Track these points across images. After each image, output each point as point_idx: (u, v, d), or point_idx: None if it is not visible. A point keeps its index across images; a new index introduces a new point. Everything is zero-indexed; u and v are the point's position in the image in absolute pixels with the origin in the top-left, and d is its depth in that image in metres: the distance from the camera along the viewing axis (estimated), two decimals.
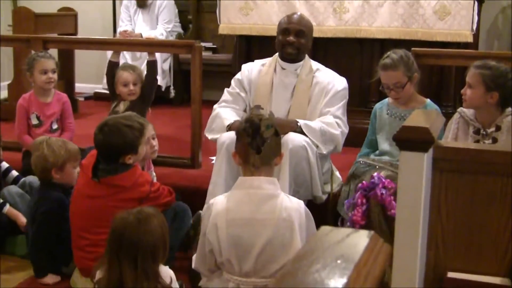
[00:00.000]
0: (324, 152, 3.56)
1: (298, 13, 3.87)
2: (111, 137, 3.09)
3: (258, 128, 2.72)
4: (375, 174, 2.07)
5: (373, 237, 0.87)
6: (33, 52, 4.55)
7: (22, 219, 3.67)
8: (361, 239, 0.86)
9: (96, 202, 3.10)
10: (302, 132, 3.51)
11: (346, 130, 3.68)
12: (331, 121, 3.61)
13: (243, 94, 3.84)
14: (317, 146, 3.53)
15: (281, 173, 3.33)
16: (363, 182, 2.07)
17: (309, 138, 3.49)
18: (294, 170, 3.42)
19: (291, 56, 3.74)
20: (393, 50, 3.67)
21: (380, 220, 2.14)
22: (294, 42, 3.70)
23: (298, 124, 3.53)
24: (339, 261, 0.78)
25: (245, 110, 3.84)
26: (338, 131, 3.61)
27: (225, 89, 3.88)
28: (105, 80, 6.43)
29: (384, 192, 2.11)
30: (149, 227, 2.53)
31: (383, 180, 2.15)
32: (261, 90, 3.78)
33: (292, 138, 3.41)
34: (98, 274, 2.65)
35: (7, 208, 3.69)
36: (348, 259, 0.80)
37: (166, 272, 2.69)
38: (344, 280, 0.75)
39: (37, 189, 3.62)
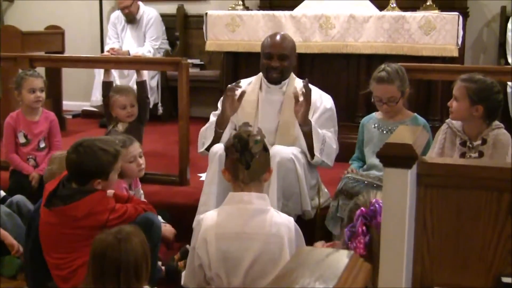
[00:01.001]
0: (319, 158, 3.58)
1: (280, 34, 3.87)
2: (84, 158, 3.01)
3: (247, 143, 2.74)
4: (374, 200, 2.06)
5: (353, 256, 0.88)
6: (20, 70, 4.55)
7: (11, 240, 3.64)
8: (340, 259, 0.87)
9: (53, 228, 3.03)
10: (309, 133, 3.53)
11: (337, 149, 3.72)
12: (331, 135, 3.67)
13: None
14: (312, 154, 3.54)
15: (270, 186, 3.34)
16: (362, 209, 2.05)
17: (306, 144, 3.55)
18: (283, 183, 3.43)
19: (275, 80, 3.77)
20: (387, 64, 3.68)
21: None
22: (278, 66, 3.72)
23: (312, 125, 3.56)
24: (318, 282, 0.78)
25: (235, 129, 3.85)
26: (336, 145, 3.67)
27: (212, 113, 3.88)
28: (93, 98, 6.51)
29: None
30: (130, 245, 2.50)
31: None
32: (246, 108, 3.79)
33: (279, 151, 3.43)
34: None
35: None
36: (327, 280, 0.80)
37: None
38: None
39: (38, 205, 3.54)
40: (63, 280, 3.02)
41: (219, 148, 3.50)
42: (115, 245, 2.48)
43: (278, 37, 3.79)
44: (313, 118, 3.67)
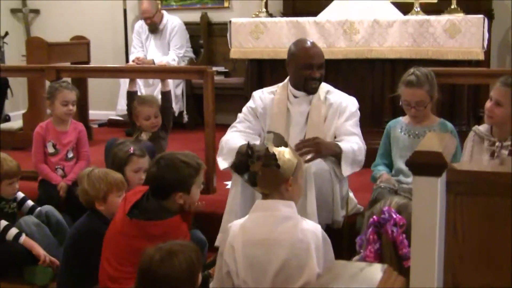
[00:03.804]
0: (347, 174, 3.58)
1: (311, 42, 3.84)
2: (166, 171, 3.00)
3: (246, 164, 2.74)
4: (385, 208, 2.04)
5: (387, 270, 0.87)
6: (47, 82, 4.60)
7: (38, 250, 3.68)
8: (375, 273, 0.86)
9: (125, 239, 3.02)
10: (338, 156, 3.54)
11: (365, 146, 3.70)
12: (360, 146, 3.64)
13: (255, 122, 3.83)
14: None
15: (308, 196, 3.34)
16: (374, 217, 2.04)
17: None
18: (318, 193, 3.42)
19: (315, 90, 3.75)
20: (416, 68, 3.66)
21: (392, 258, 2.11)
22: (319, 76, 3.72)
23: (341, 149, 3.55)
24: None
25: (259, 136, 3.86)
26: (363, 155, 3.64)
27: (239, 114, 3.89)
28: (118, 107, 6.56)
29: (395, 230, 2.08)
30: (173, 264, 2.44)
31: (394, 216, 2.12)
32: (277, 119, 3.78)
33: (315, 161, 3.43)
34: None
35: (23, 238, 3.71)
36: None
37: None
38: None
39: (84, 217, 3.49)
40: None
41: None
42: (157, 263, 2.44)
43: (313, 46, 3.77)
44: (338, 122, 3.66)
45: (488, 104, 3.39)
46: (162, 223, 2.99)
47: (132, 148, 3.75)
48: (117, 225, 3.08)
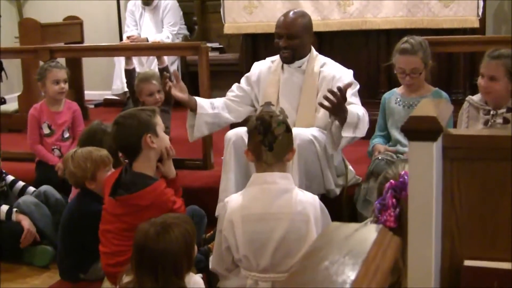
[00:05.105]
0: (347, 135, 3.40)
1: (293, 12, 3.81)
2: (127, 121, 3.03)
3: (269, 125, 2.74)
4: (403, 172, 2.03)
5: (381, 231, 0.87)
6: (41, 62, 4.58)
7: (25, 223, 3.70)
8: (369, 233, 0.86)
9: (117, 219, 3.03)
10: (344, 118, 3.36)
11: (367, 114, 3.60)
12: (363, 111, 3.51)
13: (247, 90, 3.89)
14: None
15: (292, 168, 3.32)
16: (392, 181, 2.03)
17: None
18: (304, 165, 3.41)
19: (287, 60, 3.74)
20: (410, 36, 3.67)
21: None
22: (286, 46, 3.69)
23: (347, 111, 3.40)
24: (347, 257, 0.78)
25: (252, 105, 3.88)
26: (366, 121, 3.51)
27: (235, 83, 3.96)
28: (114, 86, 6.53)
29: None
30: (169, 237, 2.45)
31: None
32: (269, 88, 3.79)
33: (299, 133, 3.39)
34: (124, 281, 2.62)
35: (14, 214, 3.73)
36: (356, 255, 0.79)
37: (196, 283, 2.64)
38: (352, 277, 0.75)
39: (76, 197, 3.54)
40: (120, 265, 2.96)
41: (232, 134, 3.52)
42: (154, 237, 2.44)
43: (287, 16, 3.74)
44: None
45: (481, 81, 3.38)
46: (145, 192, 2.99)
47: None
48: (108, 209, 3.09)
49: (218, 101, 3.88)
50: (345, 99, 3.25)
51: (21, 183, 4.07)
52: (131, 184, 3.02)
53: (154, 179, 3.05)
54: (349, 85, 3.32)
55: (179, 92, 3.69)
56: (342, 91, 3.20)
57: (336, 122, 3.38)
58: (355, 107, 3.49)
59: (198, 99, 3.81)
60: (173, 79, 3.75)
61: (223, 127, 3.97)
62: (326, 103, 3.24)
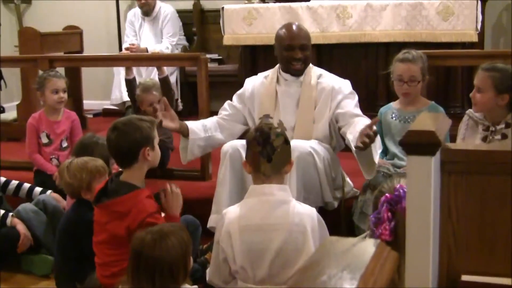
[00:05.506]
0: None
1: (295, 24, 3.82)
2: (130, 130, 2.97)
3: (268, 137, 2.75)
4: (398, 185, 2.04)
5: (379, 245, 0.87)
6: (40, 71, 4.59)
7: (21, 228, 3.70)
8: (367, 247, 0.86)
9: (102, 228, 2.99)
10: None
11: None
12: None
13: (240, 108, 3.87)
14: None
15: (290, 180, 3.32)
16: (387, 195, 2.03)
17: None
18: (302, 177, 3.41)
19: (299, 72, 3.73)
20: (410, 49, 3.72)
21: None
22: (301, 57, 3.69)
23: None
24: (345, 272, 0.78)
25: (245, 124, 3.88)
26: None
27: (227, 101, 3.94)
28: (113, 96, 6.54)
29: None
30: (166, 245, 2.45)
31: None
32: (266, 101, 3.78)
33: (297, 145, 3.40)
34: None
35: (10, 218, 3.73)
36: (354, 269, 0.79)
37: None
38: None
39: (72, 207, 3.51)
40: (113, 277, 2.94)
41: (229, 147, 3.52)
42: (151, 244, 2.44)
43: (295, 28, 3.75)
44: (332, 105, 3.64)
45: (473, 92, 3.42)
46: (124, 198, 2.93)
47: None
48: (96, 218, 3.06)
49: (211, 122, 3.85)
50: (376, 134, 3.15)
51: (14, 182, 4.10)
52: (113, 191, 2.99)
53: (137, 187, 3.00)
54: (375, 121, 3.22)
55: (170, 122, 3.64)
56: (374, 130, 3.13)
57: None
58: (364, 120, 3.48)
59: (190, 124, 3.77)
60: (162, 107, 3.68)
61: (216, 148, 3.95)
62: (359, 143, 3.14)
